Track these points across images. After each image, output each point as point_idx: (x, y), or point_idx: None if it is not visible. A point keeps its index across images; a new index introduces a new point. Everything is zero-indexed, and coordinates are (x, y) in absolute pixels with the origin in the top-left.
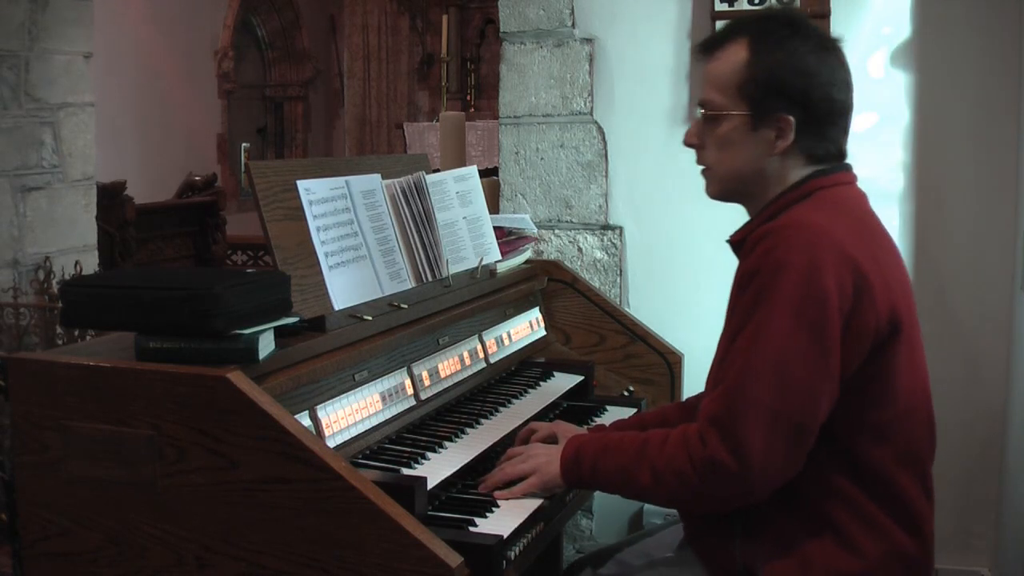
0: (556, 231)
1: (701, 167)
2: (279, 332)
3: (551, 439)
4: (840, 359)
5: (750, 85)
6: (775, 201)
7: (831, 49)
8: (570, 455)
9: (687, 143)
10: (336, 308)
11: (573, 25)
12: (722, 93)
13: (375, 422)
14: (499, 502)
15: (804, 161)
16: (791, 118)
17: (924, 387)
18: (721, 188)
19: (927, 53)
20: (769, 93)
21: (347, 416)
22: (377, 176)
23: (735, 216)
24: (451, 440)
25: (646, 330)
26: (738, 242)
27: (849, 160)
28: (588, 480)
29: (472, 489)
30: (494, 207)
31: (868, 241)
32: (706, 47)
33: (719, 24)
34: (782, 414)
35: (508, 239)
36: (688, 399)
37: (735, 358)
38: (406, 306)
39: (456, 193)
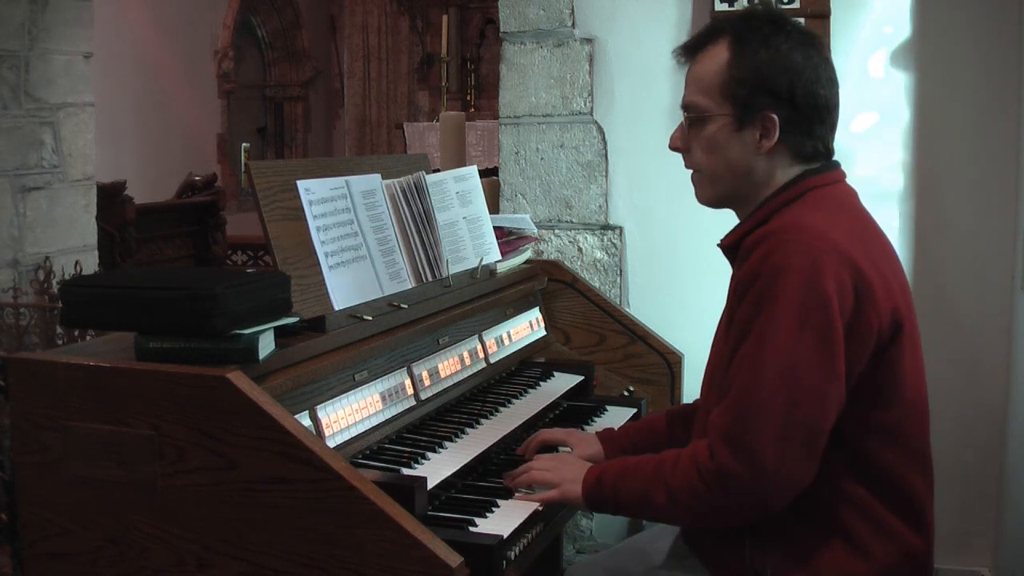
0: (556, 231)
1: (690, 171)
2: (279, 332)
3: (555, 446)
4: (845, 362)
5: (733, 85)
6: (767, 203)
7: (814, 46)
8: (592, 480)
9: (672, 147)
10: (336, 308)
11: (573, 25)
12: (705, 95)
13: (375, 422)
14: (499, 502)
15: (791, 160)
16: (776, 116)
17: (923, 382)
18: (711, 192)
19: (927, 53)
20: (753, 92)
21: (347, 416)
22: (377, 176)
23: (734, 216)
24: (451, 440)
25: (646, 330)
26: (730, 246)
27: (848, 160)
28: (611, 503)
29: (474, 488)
30: (494, 207)
31: (865, 241)
32: (687, 49)
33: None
34: (793, 420)
35: (508, 239)
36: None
37: (740, 367)
38: (406, 306)
39: (456, 193)
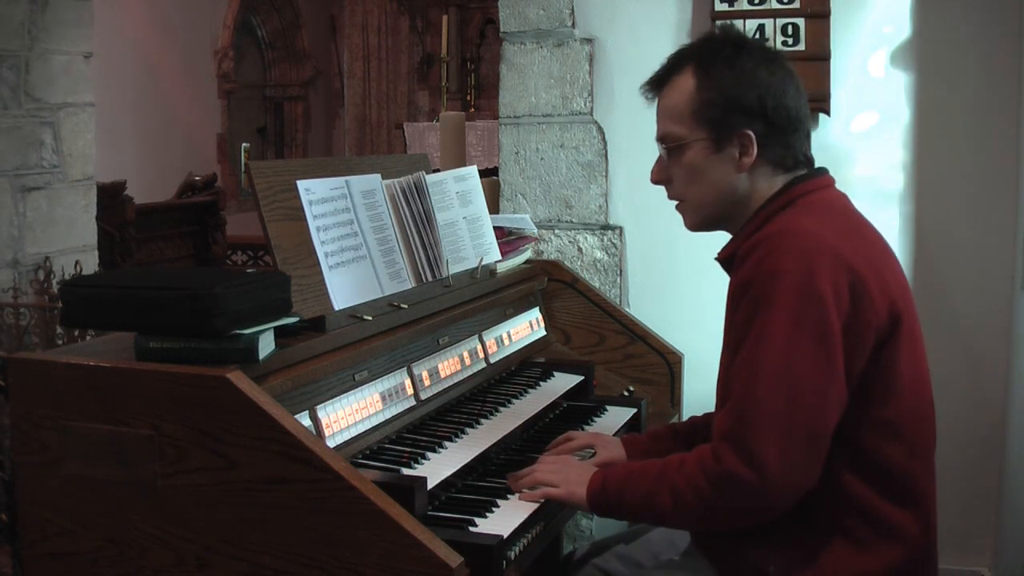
0: (556, 231)
1: (675, 202)
2: (279, 332)
3: (587, 448)
4: (844, 361)
5: (704, 108)
6: (757, 214)
7: (777, 60)
8: (597, 484)
9: (654, 181)
10: (336, 308)
11: (573, 25)
12: (679, 123)
13: (375, 422)
14: (499, 502)
15: (773, 172)
16: (751, 132)
17: (926, 376)
18: (699, 217)
19: (927, 53)
20: (725, 112)
21: (347, 416)
22: (377, 176)
23: None
24: (451, 440)
25: (646, 330)
26: (727, 258)
27: (848, 160)
28: (615, 507)
29: (474, 487)
30: (494, 207)
31: (858, 241)
32: (653, 84)
33: (719, 24)
34: (794, 421)
35: (508, 239)
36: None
37: (740, 371)
38: (406, 306)
39: (456, 193)
